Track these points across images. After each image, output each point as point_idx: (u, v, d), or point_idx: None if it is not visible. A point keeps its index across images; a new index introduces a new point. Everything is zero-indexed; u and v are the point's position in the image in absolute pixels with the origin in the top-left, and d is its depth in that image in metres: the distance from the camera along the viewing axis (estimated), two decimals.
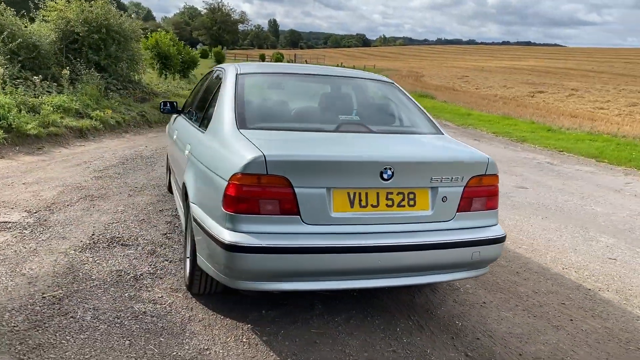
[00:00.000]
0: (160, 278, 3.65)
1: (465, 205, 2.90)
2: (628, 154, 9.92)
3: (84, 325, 2.95)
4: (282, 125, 3.31)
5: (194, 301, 3.32)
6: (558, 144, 11.35)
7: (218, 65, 4.41)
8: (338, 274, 2.70)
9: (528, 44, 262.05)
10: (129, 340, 2.83)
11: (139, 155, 7.96)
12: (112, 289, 3.44)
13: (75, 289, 3.41)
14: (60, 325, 2.93)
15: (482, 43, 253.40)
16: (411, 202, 2.78)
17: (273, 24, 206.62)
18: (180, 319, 3.08)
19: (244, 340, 2.89)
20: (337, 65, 55.82)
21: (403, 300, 3.48)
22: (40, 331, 2.85)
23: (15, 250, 4.00)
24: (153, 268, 3.80)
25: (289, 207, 2.62)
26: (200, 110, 4.13)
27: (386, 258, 2.70)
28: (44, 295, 3.27)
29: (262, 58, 64.13)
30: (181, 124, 4.32)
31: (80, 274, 3.64)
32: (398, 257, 2.72)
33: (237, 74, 3.57)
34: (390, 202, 2.75)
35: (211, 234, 2.73)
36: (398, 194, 2.76)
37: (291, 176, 2.60)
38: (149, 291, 3.43)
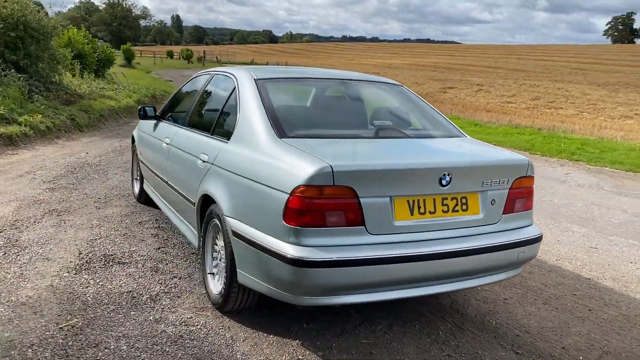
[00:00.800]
0: (178, 297, 3.43)
1: (509, 207, 2.97)
2: (557, 146, 10.62)
3: (124, 356, 2.71)
4: (321, 132, 3.22)
5: (226, 319, 3.16)
6: (490, 138, 11.92)
7: (216, 70, 4.19)
8: (401, 283, 2.67)
9: (428, 41, 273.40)
10: None
11: (85, 163, 7.44)
12: (132, 312, 3.19)
13: (92, 315, 3.12)
14: (97, 358, 2.68)
15: (385, 40, 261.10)
16: (464, 207, 2.81)
17: (176, 19, 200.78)
18: (224, 340, 2.92)
19: (300, 357, 2.78)
20: (250, 63, 55.26)
21: (431, 303, 3.50)
22: None
23: None
24: (165, 286, 3.57)
25: (355, 217, 2.55)
26: (203, 117, 3.94)
27: (447, 264, 2.70)
28: (61, 327, 2.97)
29: (170, 55, 62.16)
30: (178, 132, 4.06)
31: (87, 298, 3.34)
32: (458, 262, 2.73)
33: (255, 80, 3.42)
34: (445, 208, 2.75)
35: (269, 249, 2.60)
36: (452, 199, 2.77)
37: (356, 186, 2.53)
38: (173, 312, 3.22)
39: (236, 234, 2.88)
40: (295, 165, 2.58)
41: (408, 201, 2.66)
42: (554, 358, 2.91)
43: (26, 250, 4.10)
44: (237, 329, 3.05)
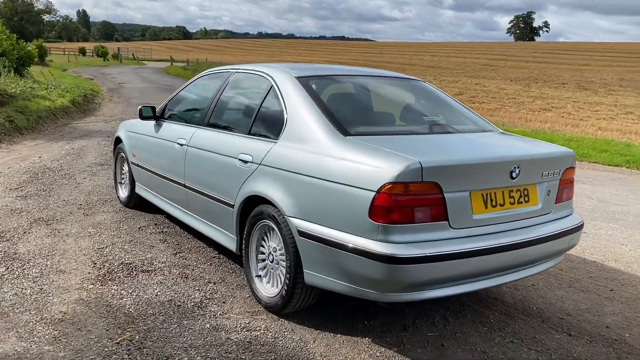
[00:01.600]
0: (223, 302, 3.32)
1: (560, 196, 3.12)
2: None
3: None
4: (379, 129, 3.21)
5: (286, 322, 3.09)
6: None
7: (233, 67, 4.05)
8: (479, 275, 2.74)
9: (342, 38, 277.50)
10: None
11: (46, 168, 6.96)
12: (185, 321, 3.06)
13: (144, 327, 2.96)
14: None
15: (301, 37, 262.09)
16: (526, 198, 2.92)
17: (82, 14, 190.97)
18: (295, 343, 2.86)
19: (378, 354, 2.78)
20: (169, 59, 53.51)
21: (470, 294, 3.60)
22: None
23: (17, 294, 3.34)
24: (203, 293, 3.44)
25: (439, 213, 2.59)
26: (232, 117, 3.83)
27: (519, 254, 2.80)
28: (118, 342, 2.80)
29: (83, 52, 59.11)
30: (197, 133, 3.89)
31: (129, 310, 3.17)
32: (527, 252, 2.84)
33: (297, 78, 3.37)
34: (512, 200, 2.85)
35: (353, 248, 2.58)
36: (517, 191, 2.87)
37: (441, 181, 2.57)
38: (227, 318, 3.11)
39: (304, 234, 2.83)
40: (380, 163, 2.57)
41: (482, 195, 2.73)
42: (603, 337, 3.09)
43: (31, 263, 3.81)
44: (301, 330, 3.01)
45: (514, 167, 2.79)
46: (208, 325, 3.02)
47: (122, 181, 5.45)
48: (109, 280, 3.59)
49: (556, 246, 3.03)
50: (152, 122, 4.63)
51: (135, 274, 3.70)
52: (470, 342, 2.95)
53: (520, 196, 2.89)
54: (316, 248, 2.78)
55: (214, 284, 3.59)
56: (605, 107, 21.12)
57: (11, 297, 3.30)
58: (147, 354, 2.69)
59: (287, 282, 2.98)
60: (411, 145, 2.94)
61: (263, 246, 3.30)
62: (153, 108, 4.57)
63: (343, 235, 2.65)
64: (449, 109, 3.72)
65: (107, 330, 2.93)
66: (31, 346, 2.72)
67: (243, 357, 2.71)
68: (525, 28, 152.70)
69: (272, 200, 3.04)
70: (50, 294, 3.35)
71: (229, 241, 3.58)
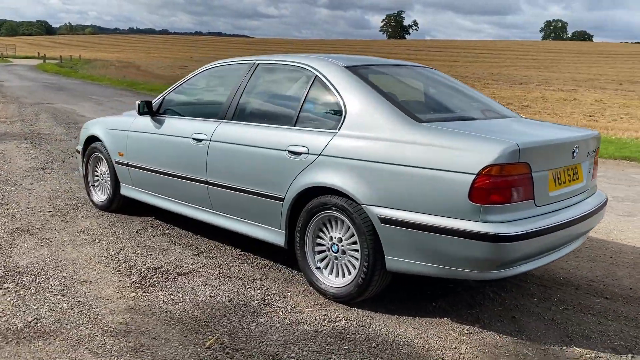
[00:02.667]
0: (284, 297, 3.25)
1: (593, 174, 3.43)
2: None
3: None
4: (444, 115, 3.29)
5: (361, 311, 3.09)
6: None
7: (255, 59, 3.89)
8: (555, 248, 2.95)
9: (219, 34, 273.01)
10: None
11: None
12: (262, 319, 2.96)
13: (224, 330, 2.83)
14: None
15: (175, 33, 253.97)
16: (575, 176, 3.17)
17: None
18: (384, 329, 2.88)
19: (467, 332, 2.89)
20: (39, 56, 49.47)
21: None
22: None
23: (52, 309, 3.02)
24: (257, 290, 3.34)
25: (528, 191, 2.75)
26: (268, 110, 3.73)
27: (581, 227, 3.06)
28: (209, 346, 2.66)
29: None
30: (222, 127, 3.70)
31: (195, 314, 3.00)
32: (583, 225, 3.10)
33: (347, 68, 3.36)
34: (569, 178, 3.09)
35: (453, 230, 2.66)
36: (572, 169, 3.12)
37: (531, 162, 2.73)
38: (301, 312, 3.06)
39: (387, 221, 2.86)
40: (477, 146, 2.67)
41: (553, 173, 2.94)
42: (632, 297, 3.45)
43: (44, 276, 3.46)
44: (380, 317, 3.03)
45: (575, 147, 3.03)
46: (287, 321, 2.95)
47: (96, 184, 5.05)
48: (149, 286, 3.35)
49: (596, 219, 3.33)
50: (148, 119, 4.35)
51: (174, 278, 3.49)
52: (534, 313, 3.16)
53: (574, 174, 3.14)
54: (403, 234, 2.82)
55: (261, 280, 3.49)
56: None
57: (48, 313, 2.98)
58: (249, 355, 2.58)
59: (365, 269, 2.99)
60: (490, 129, 3.08)
61: (321, 237, 3.26)
62: (149, 103, 4.30)
63: (437, 219, 2.72)
64: (473, 95, 3.90)
65: (185, 337, 2.76)
66: None
67: (345, 347, 2.69)
68: (396, 26, 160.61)
69: (343, 189, 3.02)
70: (93, 306, 3.07)
71: (274, 236, 3.49)
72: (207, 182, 3.84)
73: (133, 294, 3.24)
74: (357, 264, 3.08)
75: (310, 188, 3.20)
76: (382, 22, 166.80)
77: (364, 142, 3.02)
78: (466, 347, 2.72)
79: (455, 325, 2.96)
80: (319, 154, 3.16)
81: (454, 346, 2.73)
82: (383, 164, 2.90)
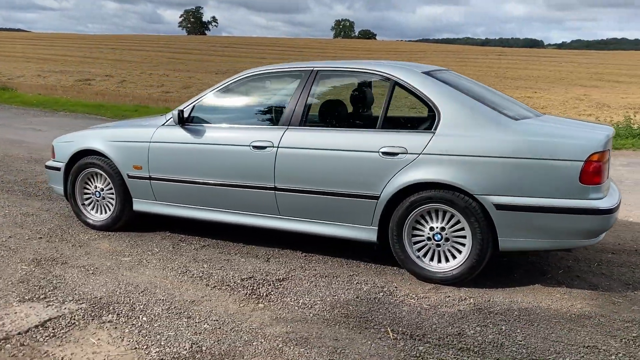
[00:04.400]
0: (396, 288, 3.50)
1: None
2: None
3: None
4: (517, 114, 3.73)
5: (474, 289, 3.47)
6: None
7: (308, 65, 3.97)
8: None
9: None
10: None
11: None
12: (404, 307, 3.21)
13: (386, 319, 3.05)
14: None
15: None
16: None
17: None
18: (515, 303, 3.32)
19: (570, 293, 3.48)
20: None
21: None
22: None
23: (216, 335, 2.93)
24: (368, 284, 3.54)
25: (608, 174, 3.44)
26: (330, 115, 3.87)
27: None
28: (394, 338, 2.88)
29: None
30: (292, 134, 3.75)
31: (340, 311, 3.15)
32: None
33: (426, 73, 3.72)
34: None
35: (568, 208, 3.22)
36: None
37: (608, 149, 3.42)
38: (426, 297, 3.36)
39: (502, 207, 3.32)
40: (581, 138, 3.28)
41: None
42: None
43: (141, 304, 3.26)
44: (497, 292, 3.44)
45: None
46: (425, 305, 3.24)
47: (86, 202, 4.64)
48: (267, 295, 3.36)
49: None
50: (176, 128, 4.18)
51: (279, 285, 3.52)
52: (590, 271, 3.85)
53: None
54: (518, 217, 3.32)
55: (357, 276, 3.68)
56: None
57: (198, 336, 2.87)
58: (436, 338, 2.86)
59: (479, 252, 3.41)
60: (571, 125, 3.69)
61: (418, 229, 3.60)
62: (181, 112, 4.14)
63: (551, 201, 3.26)
64: (502, 95, 4.37)
65: (360, 333, 2.91)
66: None
67: (497, 319, 3.09)
68: (196, 22, 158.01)
69: (454, 183, 3.39)
70: (239, 322, 3.02)
71: (364, 233, 3.71)
72: (274, 189, 3.88)
73: (261, 305, 3.23)
74: (463, 248, 3.48)
75: (411, 185, 3.51)
76: (180, 17, 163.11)
77: (469, 140, 3.42)
78: (580, 303, 3.32)
79: (553, 289, 3.52)
80: (420, 153, 3.49)
81: (570, 304, 3.31)
82: (493, 157, 3.35)
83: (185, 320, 3.05)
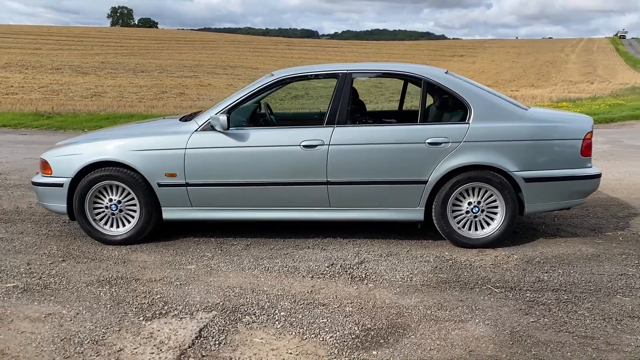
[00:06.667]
0: (456, 260, 4.16)
1: None
2: None
3: None
4: (522, 105, 4.56)
5: (505, 249, 4.31)
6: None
7: (351, 68, 4.32)
8: None
9: None
10: None
11: None
12: (495, 272, 3.91)
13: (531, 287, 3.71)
14: None
15: None
16: None
17: None
18: (558, 254, 4.23)
19: (605, 244, 4.52)
20: None
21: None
22: None
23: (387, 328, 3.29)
24: (424, 261, 4.15)
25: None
26: (370, 113, 4.30)
27: None
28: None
29: None
30: (341, 131, 4.14)
31: (433, 283, 3.73)
32: None
33: (446, 74, 4.39)
34: None
35: (573, 176, 4.22)
36: None
37: None
38: (481, 260, 4.08)
39: (529, 180, 4.19)
40: (577, 122, 4.30)
41: None
42: None
43: (305, 309, 3.43)
44: (539, 251, 4.34)
45: None
46: (500, 269, 3.98)
47: (95, 218, 4.40)
48: (365, 278, 3.75)
49: None
50: (214, 133, 4.24)
51: (362, 268, 3.92)
52: (621, 227, 4.89)
53: None
54: (540, 186, 4.22)
55: (414, 251, 4.25)
56: None
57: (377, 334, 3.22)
58: (581, 292, 3.62)
59: (511, 217, 4.24)
60: (560, 112, 4.66)
61: (457, 205, 4.30)
62: (228, 118, 4.21)
63: (563, 171, 4.24)
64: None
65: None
66: None
67: (552, 267, 3.96)
68: None
69: (492, 164, 4.15)
70: (376, 302, 3.40)
71: (413, 214, 4.30)
72: (327, 183, 4.24)
73: (371, 285, 3.62)
74: (496, 216, 4.29)
75: (456, 169, 4.19)
76: None
77: (497, 128, 4.22)
78: (586, 246, 4.37)
79: (556, 237, 4.53)
80: (461, 141, 4.18)
81: (578, 247, 4.34)
82: (519, 141, 4.20)
83: (322, 308, 3.32)
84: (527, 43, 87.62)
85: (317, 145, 4.20)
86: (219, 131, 4.23)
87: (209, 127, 4.27)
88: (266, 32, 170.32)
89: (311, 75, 4.54)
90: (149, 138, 4.35)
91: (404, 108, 5.42)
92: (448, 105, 4.42)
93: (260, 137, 4.28)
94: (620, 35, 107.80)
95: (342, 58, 53.13)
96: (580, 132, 4.28)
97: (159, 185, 4.27)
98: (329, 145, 4.20)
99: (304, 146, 4.20)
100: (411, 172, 4.23)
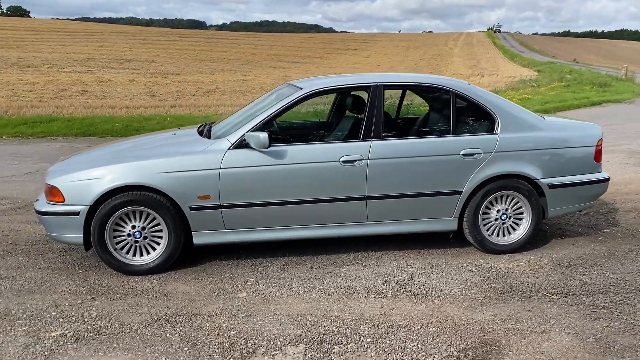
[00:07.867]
0: (496, 268, 4.29)
1: None
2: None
3: None
4: (539, 114, 4.73)
5: (534, 251, 4.51)
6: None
7: (380, 81, 4.23)
8: None
9: None
10: None
11: None
12: (538, 274, 4.07)
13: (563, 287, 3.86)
14: None
15: None
16: None
17: None
18: (573, 256, 4.48)
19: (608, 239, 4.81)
20: None
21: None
22: None
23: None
24: (469, 271, 4.24)
25: None
26: (416, 125, 4.30)
27: None
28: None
29: None
30: (379, 144, 4.09)
31: (490, 294, 3.83)
32: None
33: (469, 85, 4.48)
34: None
35: (588, 181, 4.51)
36: None
37: None
38: (516, 266, 4.25)
39: (552, 186, 4.42)
40: (589, 129, 4.58)
41: None
42: None
43: (352, 338, 3.34)
44: (557, 253, 4.57)
45: None
46: (541, 272, 4.15)
47: (116, 248, 4.01)
48: (426, 294, 3.76)
49: None
50: (248, 151, 4.02)
51: (414, 283, 3.92)
52: (611, 223, 5.23)
53: None
54: (561, 191, 4.46)
55: (450, 261, 4.32)
56: None
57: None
58: (592, 285, 3.83)
59: (536, 222, 4.44)
60: (571, 120, 4.92)
61: (487, 213, 4.43)
62: (270, 136, 4.01)
63: (581, 176, 4.51)
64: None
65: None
66: None
67: (574, 270, 4.21)
68: None
69: (523, 173, 4.31)
70: (457, 320, 3.42)
71: (447, 224, 4.37)
72: (366, 198, 4.18)
73: (437, 302, 3.64)
74: (522, 222, 4.47)
75: (489, 178, 4.31)
76: None
77: (523, 138, 4.39)
78: (599, 245, 4.68)
79: (600, 245, 4.81)
80: (493, 152, 4.31)
81: (596, 247, 4.65)
82: (542, 149, 4.40)
83: (405, 330, 3.29)
84: (412, 37, 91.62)
85: (356, 161, 4.12)
86: (255, 149, 4.01)
87: (243, 145, 4.04)
88: (150, 23, 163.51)
89: (343, 88, 4.45)
90: (176, 158, 4.02)
91: (400, 115, 5.47)
92: (474, 117, 4.52)
93: (299, 154, 4.11)
94: (495, 29, 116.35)
95: (239, 50, 52.29)
96: (593, 139, 4.57)
97: (191, 208, 3.97)
98: (367, 160, 4.14)
99: (343, 162, 4.11)
100: (447, 183, 4.28)
